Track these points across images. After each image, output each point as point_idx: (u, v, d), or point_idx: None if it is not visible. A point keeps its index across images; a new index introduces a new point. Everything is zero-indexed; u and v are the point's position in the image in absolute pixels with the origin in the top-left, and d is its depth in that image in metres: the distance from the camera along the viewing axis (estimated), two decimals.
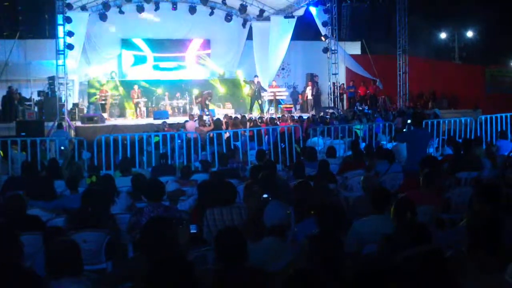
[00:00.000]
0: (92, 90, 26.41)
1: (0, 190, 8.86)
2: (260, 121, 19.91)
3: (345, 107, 26.62)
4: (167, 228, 4.39)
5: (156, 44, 28.13)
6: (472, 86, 25.96)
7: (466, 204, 5.80)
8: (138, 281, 3.79)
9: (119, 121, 23.29)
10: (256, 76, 26.64)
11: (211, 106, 25.28)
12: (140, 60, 28.21)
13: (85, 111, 24.30)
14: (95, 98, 25.58)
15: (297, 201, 6.07)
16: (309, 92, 27.16)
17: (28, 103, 23.06)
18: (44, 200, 7.24)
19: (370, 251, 4.71)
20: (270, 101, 26.30)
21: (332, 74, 24.97)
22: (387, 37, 26.03)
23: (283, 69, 29.68)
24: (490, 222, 3.94)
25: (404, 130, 15.70)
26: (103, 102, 24.83)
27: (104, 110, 24.40)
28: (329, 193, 7.14)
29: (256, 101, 25.85)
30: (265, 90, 26.35)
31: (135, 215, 6.19)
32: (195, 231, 5.24)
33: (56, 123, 18.72)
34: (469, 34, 40.63)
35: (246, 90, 27.63)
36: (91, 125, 21.01)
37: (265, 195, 5.81)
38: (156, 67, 28.38)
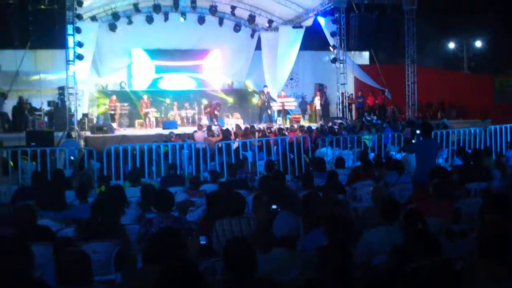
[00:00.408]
0: (102, 100, 26.58)
1: (10, 200, 8.90)
2: (268, 131, 19.92)
3: (353, 117, 26.60)
4: (175, 239, 4.40)
5: (165, 54, 28.26)
6: (481, 96, 25.85)
7: (476, 215, 5.78)
8: None
9: (128, 131, 23.35)
10: (265, 86, 26.72)
11: (219, 116, 25.34)
12: (149, 70, 28.35)
13: (94, 121, 24.42)
14: (105, 109, 25.72)
15: (306, 212, 6.06)
16: (317, 102, 27.15)
17: (38, 113, 23.20)
18: (54, 210, 7.27)
19: (380, 262, 4.70)
20: (279, 111, 26.33)
21: (341, 84, 24.94)
22: (396, 47, 26.01)
23: (291, 79, 29.71)
24: (500, 232, 3.94)
25: (413, 140, 15.67)
26: (112, 112, 24.93)
27: (113, 120, 24.48)
28: (338, 204, 7.14)
29: (265, 111, 25.90)
30: (274, 101, 26.39)
31: (145, 226, 6.21)
32: (204, 242, 5.24)
33: (66, 133, 18.78)
34: (478, 44, 40.59)
35: (255, 100, 27.70)
36: (101, 135, 21.07)
37: (274, 206, 5.81)
38: (164, 77, 28.52)
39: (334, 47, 25.11)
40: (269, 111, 25.94)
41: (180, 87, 28.25)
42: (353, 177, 10.25)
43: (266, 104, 25.83)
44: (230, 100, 28.33)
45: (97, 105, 26.81)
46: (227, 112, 27.04)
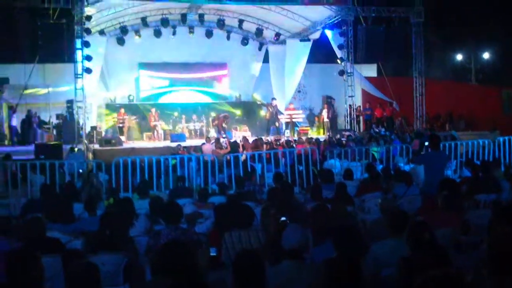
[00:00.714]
0: (110, 113, 26.69)
1: (19, 213, 8.92)
2: (276, 143, 19.93)
3: (361, 129, 26.58)
4: (184, 251, 4.40)
5: (173, 68, 28.41)
6: (489, 108, 25.82)
7: (485, 227, 5.76)
8: None
9: (137, 144, 23.42)
10: (273, 98, 26.79)
11: (227, 129, 25.38)
12: (157, 83, 28.48)
13: (103, 134, 24.52)
14: (114, 122, 25.80)
15: (314, 224, 6.05)
16: (325, 114, 27.17)
17: (47, 126, 23.32)
18: (63, 223, 7.28)
19: (388, 274, 4.68)
20: (287, 124, 26.35)
21: (348, 96, 24.95)
22: (403, 59, 26.06)
23: (299, 91, 29.76)
24: (510, 244, 3.92)
25: (422, 152, 15.62)
26: (120, 125, 25.02)
27: (122, 133, 24.57)
28: (347, 216, 7.11)
29: (273, 123, 25.94)
30: (282, 113, 26.41)
31: (153, 238, 6.21)
32: (215, 254, 5.24)
33: (69, 148, 18.80)
34: (486, 55, 40.52)
35: (263, 112, 27.75)
36: (109, 148, 21.14)
37: (283, 218, 5.80)
38: (172, 91, 28.65)
39: (341, 59, 25.16)
40: (277, 124, 25.98)
41: (188, 100, 28.32)
42: (362, 189, 10.22)
43: (274, 116, 25.87)
44: (238, 112, 28.41)
45: (105, 118, 26.91)
46: (235, 124, 27.10)
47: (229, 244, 5.94)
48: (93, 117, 25.63)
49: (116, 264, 5.78)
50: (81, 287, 3.98)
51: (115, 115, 26.02)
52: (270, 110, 26.21)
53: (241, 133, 25.05)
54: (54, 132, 22.95)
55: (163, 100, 28.20)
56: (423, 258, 4.27)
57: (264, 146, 19.10)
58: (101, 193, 11.13)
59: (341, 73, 25.26)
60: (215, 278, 4.63)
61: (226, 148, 19.08)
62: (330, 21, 24.57)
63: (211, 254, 5.15)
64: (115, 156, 14.21)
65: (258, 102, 29.06)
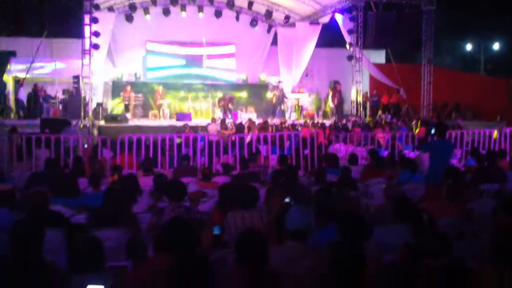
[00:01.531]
0: (116, 91, 26.63)
1: (23, 186, 8.94)
2: (282, 126, 19.90)
3: (367, 115, 26.48)
4: (186, 228, 4.42)
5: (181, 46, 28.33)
6: (497, 98, 25.67)
7: (488, 215, 5.75)
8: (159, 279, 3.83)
9: (142, 122, 23.41)
10: (280, 81, 26.70)
11: (233, 110, 25.33)
12: (164, 62, 28.40)
13: (109, 111, 24.51)
14: (120, 99, 25.76)
15: (317, 207, 6.04)
16: (331, 100, 27.07)
17: (53, 101, 23.34)
18: (67, 197, 7.29)
19: (391, 259, 4.67)
20: (293, 107, 26.30)
21: (356, 82, 24.86)
22: (413, 47, 25.88)
23: (306, 75, 29.62)
24: None
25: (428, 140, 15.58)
26: (126, 102, 24.99)
27: (127, 110, 24.56)
28: (350, 200, 7.11)
29: (279, 106, 25.90)
30: (286, 98, 26.36)
31: (156, 215, 6.23)
32: (218, 232, 5.24)
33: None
34: (496, 46, 40.29)
35: (270, 95, 27.70)
36: (115, 124, 21.16)
37: (287, 199, 5.80)
38: (179, 70, 28.58)
39: (350, 44, 25.01)
40: (282, 106, 25.93)
41: (194, 79, 28.24)
42: (366, 174, 10.22)
43: (280, 99, 25.82)
44: (244, 94, 28.33)
45: (112, 95, 26.85)
46: (241, 106, 27.04)
47: (232, 224, 5.95)
48: (99, 94, 25.62)
49: (119, 240, 5.80)
50: (84, 261, 3.99)
51: (121, 92, 25.96)
52: (277, 93, 26.15)
53: (247, 115, 24.97)
54: (60, 107, 22.95)
55: (169, 80, 28.07)
56: (426, 245, 4.27)
57: (270, 128, 19.08)
58: (105, 169, 11.16)
59: (350, 58, 25.12)
60: (215, 257, 4.65)
61: (232, 129, 19.07)
62: (341, 5, 24.39)
63: (215, 232, 5.15)
64: (120, 133, 14.22)
65: (265, 85, 28.87)
